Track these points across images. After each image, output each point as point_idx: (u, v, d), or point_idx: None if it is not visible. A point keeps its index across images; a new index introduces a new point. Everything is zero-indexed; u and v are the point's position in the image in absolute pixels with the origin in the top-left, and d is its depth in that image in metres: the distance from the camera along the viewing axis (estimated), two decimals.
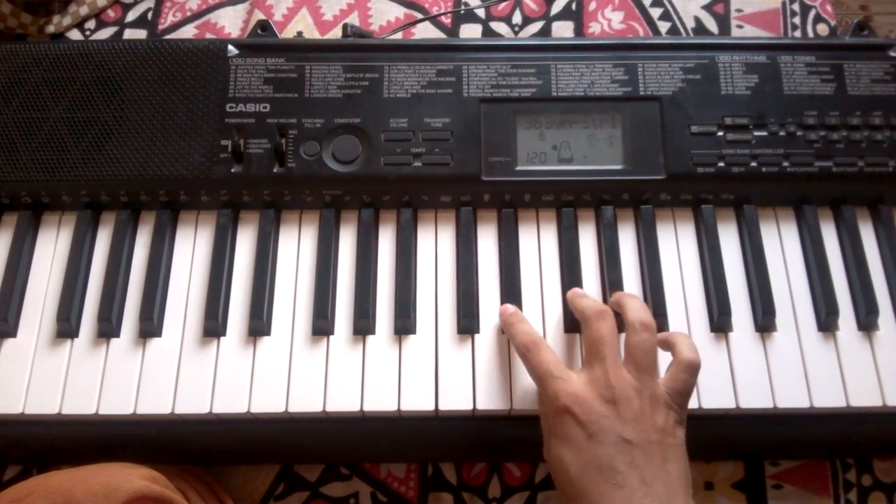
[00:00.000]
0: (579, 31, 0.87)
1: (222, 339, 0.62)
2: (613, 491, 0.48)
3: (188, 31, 0.88)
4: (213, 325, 0.62)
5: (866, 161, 0.65)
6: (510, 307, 0.61)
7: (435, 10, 0.88)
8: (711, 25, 0.88)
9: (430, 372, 0.60)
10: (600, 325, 0.54)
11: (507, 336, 0.60)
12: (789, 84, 0.67)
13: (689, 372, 0.54)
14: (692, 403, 0.57)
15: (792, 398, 0.60)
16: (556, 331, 0.62)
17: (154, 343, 0.62)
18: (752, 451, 0.68)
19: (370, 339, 0.62)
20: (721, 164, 0.65)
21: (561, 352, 0.61)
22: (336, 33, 0.87)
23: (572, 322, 0.62)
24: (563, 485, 0.52)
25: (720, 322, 0.62)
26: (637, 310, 0.56)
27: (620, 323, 0.57)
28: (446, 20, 0.88)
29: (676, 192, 0.66)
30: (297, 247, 0.65)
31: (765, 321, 0.62)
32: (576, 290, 0.61)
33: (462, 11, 0.88)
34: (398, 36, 0.85)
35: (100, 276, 0.64)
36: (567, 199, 0.66)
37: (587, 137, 0.66)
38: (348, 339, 0.62)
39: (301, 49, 0.68)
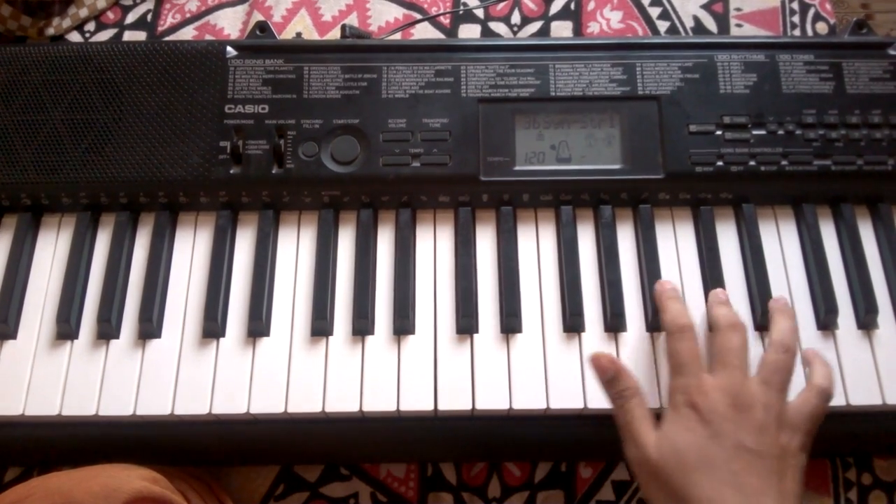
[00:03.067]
0: (578, 30, 0.87)
1: (221, 339, 0.62)
2: (728, 491, 0.49)
3: (187, 33, 0.88)
4: (213, 326, 0.62)
5: (865, 159, 0.65)
6: (669, 282, 0.61)
7: (434, 11, 0.88)
8: (710, 24, 0.87)
9: (430, 372, 0.60)
10: (732, 336, 0.55)
11: (658, 308, 0.60)
12: (788, 83, 0.67)
13: (820, 398, 0.55)
14: None
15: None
16: (555, 330, 0.62)
17: (153, 344, 0.62)
18: None
19: (369, 339, 0.62)
20: (720, 163, 0.65)
21: (561, 352, 0.61)
22: (335, 34, 0.87)
23: (571, 321, 0.62)
24: (668, 474, 0.51)
25: None
26: (783, 330, 0.57)
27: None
28: (445, 20, 0.88)
29: (675, 191, 0.66)
30: (295, 247, 0.66)
31: (763, 320, 0.62)
32: (718, 294, 0.61)
33: (461, 12, 0.88)
34: (397, 36, 0.85)
35: (99, 277, 0.64)
36: (565, 199, 0.66)
37: (585, 137, 0.66)
38: (347, 339, 0.62)
39: (300, 50, 0.68)
